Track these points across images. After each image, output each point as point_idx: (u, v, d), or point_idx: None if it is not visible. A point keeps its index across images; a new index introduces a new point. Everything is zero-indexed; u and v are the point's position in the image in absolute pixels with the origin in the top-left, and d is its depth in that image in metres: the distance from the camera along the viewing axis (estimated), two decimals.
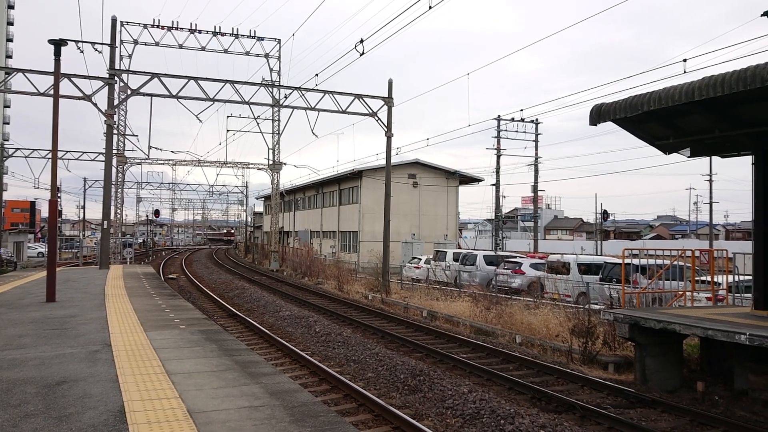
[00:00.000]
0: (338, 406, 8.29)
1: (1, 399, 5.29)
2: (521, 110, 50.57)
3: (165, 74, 24.07)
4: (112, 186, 28.33)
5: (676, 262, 13.58)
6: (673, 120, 10.63)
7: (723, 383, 9.87)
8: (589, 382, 9.99)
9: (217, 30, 32.13)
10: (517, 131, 40.44)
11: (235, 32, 32.75)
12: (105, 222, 24.74)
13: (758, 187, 10.48)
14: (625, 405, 8.91)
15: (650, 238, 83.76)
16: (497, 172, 40.74)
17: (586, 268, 21.02)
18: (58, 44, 13.22)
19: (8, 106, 79.12)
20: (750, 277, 11.67)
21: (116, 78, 24.48)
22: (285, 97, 28.52)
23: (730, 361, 9.87)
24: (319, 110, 26.42)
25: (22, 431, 4.47)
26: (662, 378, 9.98)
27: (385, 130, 25.97)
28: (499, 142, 40.11)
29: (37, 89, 22.63)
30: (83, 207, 68.67)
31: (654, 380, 9.91)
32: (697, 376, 10.15)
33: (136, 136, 40.26)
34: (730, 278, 13.63)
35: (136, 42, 31.60)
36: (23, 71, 22.55)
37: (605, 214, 53.39)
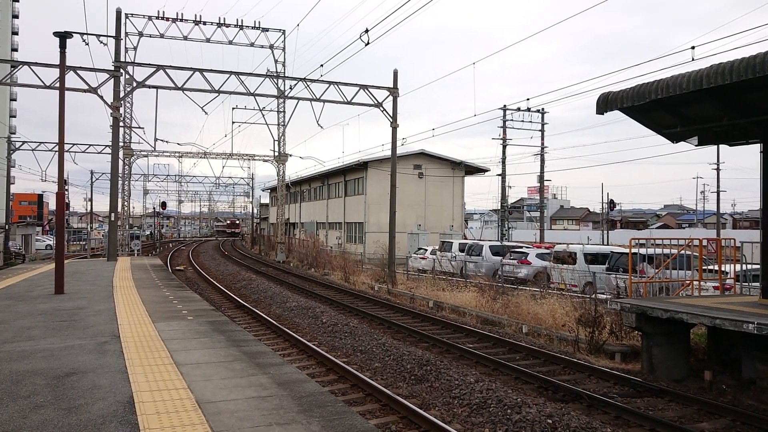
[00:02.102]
0: (345, 395, 8.32)
1: (10, 390, 5.34)
2: (527, 99, 50.35)
3: (170, 66, 24.05)
4: (119, 178, 28.41)
5: (683, 252, 13.53)
6: (680, 108, 10.55)
7: (730, 372, 9.85)
8: (595, 371, 9.99)
9: (222, 21, 32.08)
10: (522, 121, 40.26)
11: (239, 23, 32.69)
12: (112, 214, 24.83)
13: (766, 176, 10.40)
14: (632, 394, 8.91)
15: (657, 228, 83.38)
16: (503, 162, 40.60)
17: (593, 258, 20.98)
18: (63, 37, 13.22)
19: (14, 100, 79.40)
20: (758, 266, 11.61)
21: (122, 70, 24.49)
22: (290, 88, 28.46)
23: (738, 351, 9.84)
24: (324, 101, 26.37)
25: (31, 422, 4.51)
26: (669, 367, 9.97)
27: (391, 121, 25.91)
28: (504, 132, 39.95)
29: (43, 82, 22.66)
30: (90, 199, 68.94)
31: (661, 369, 9.89)
32: (705, 366, 10.13)
33: (142, 128, 40.41)
34: (738, 267, 13.55)
35: (141, 34, 31.61)
36: (29, 64, 22.58)
37: (612, 204, 53.18)
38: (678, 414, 8.10)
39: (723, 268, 13.05)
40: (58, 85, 14.07)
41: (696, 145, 11.97)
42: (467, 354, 11.23)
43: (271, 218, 64.07)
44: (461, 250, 28.20)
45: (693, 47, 13.46)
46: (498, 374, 9.98)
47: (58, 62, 13.63)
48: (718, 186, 47.27)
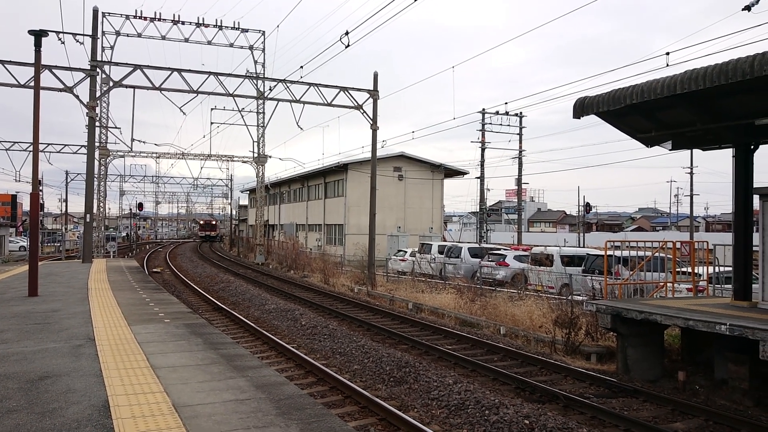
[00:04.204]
0: (324, 398, 8.31)
1: None
2: (505, 103, 50.86)
3: (148, 66, 23.82)
4: (95, 179, 28.01)
5: (657, 254, 13.75)
6: (655, 113, 10.73)
7: (703, 373, 10.03)
8: (572, 372, 10.11)
9: (201, 21, 31.84)
10: (501, 124, 40.65)
11: (218, 24, 32.48)
12: (88, 215, 24.48)
13: (738, 180, 10.62)
14: (608, 395, 9.04)
15: (632, 230, 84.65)
16: (482, 165, 40.90)
17: (569, 260, 21.21)
18: (38, 35, 13.01)
19: None
20: (730, 269, 11.86)
21: (98, 69, 24.18)
22: (270, 89, 28.37)
23: (711, 351, 10.03)
24: (304, 103, 26.32)
25: (4, 427, 4.44)
26: (644, 368, 10.12)
27: (371, 123, 25.93)
28: (483, 136, 40.26)
29: (17, 81, 22.27)
30: (65, 200, 67.93)
31: (636, 370, 10.04)
32: (678, 366, 10.31)
33: (119, 128, 40.01)
34: (711, 269, 13.82)
35: (118, 33, 31.22)
36: (2, 62, 22.17)
37: (588, 207, 53.83)
38: (652, 414, 8.24)
39: (696, 271, 13.29)
40: (32, 84, 13.84)
41: (670, 150, 12.18)
42: (446, 355, 11.28)
43: (250, 220, 63.69)
44: (440, 252, 28.31)
45: (668, 53, 13.71)
46: (476, 375, 10.04)
47: (32, 61, 13.41)
48: (691, 189, 48.19)
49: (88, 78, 23.47)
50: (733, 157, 10.83)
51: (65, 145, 43.70)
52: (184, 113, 30.19)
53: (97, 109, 26.06)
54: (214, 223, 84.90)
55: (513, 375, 9.73)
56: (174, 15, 31.40)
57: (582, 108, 10.42)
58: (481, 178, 41.23)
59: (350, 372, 10.04)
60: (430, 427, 7.14)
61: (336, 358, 11.02)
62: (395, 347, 12.05)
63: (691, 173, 48.04)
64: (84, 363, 6.48)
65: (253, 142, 38.77)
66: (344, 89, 26.06)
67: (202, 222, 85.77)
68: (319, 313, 16.80)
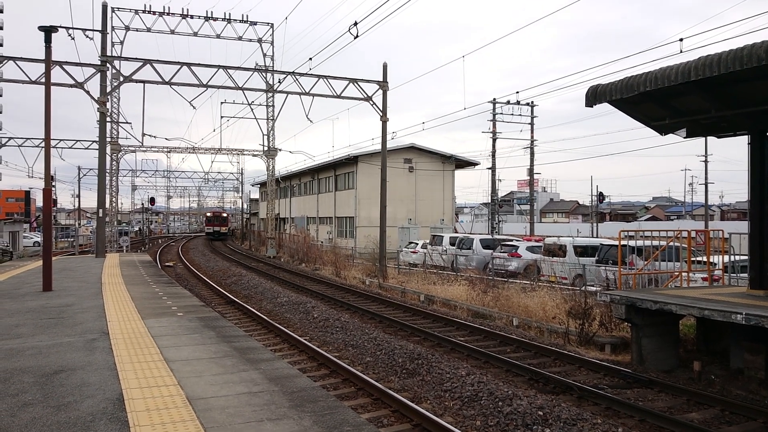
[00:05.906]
0: (337, 390, 8.32)
1: None
2: (517, 92, 50.46)
3: (157, 60, 23.86)
4: (107, 174, 28.18)
5: (671, 243, 13.62)
6: (669, 100, 10.59)
7: (719, 363, 9.94)
8: (586, 363, 10.05)
9: (210, 15, 31.86)
10: (512, 114, 40.30)
11: (227, 17, 32.48)
12: (100, 210, 24.65)
13: (754, 168, 10.47)
14: (622, 385, 8.98)
15: (646, 220, 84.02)
16: (493, 156, 40.66)
17: (582, 251, 21.07)
18: (48, 31, 13.06)
19: (0, 95, 78.48)
20: (746, 257, 11.71)
21: (108, 65, 24.27)
22: (279, 82, 28.37)
23: (726, 341, 9.93)
24: (313, 95, 26.26)
25: (20, 420, 4.47)
26: (659, 358, 10.05)
27: (381, 114, 25.84)
28: (494, 126, 40.00)
29: (28, 77, 22.42)
30: (78, 196, 68.39)
31: (650, 360, 9.97)
32: (694, 356, 10.22)
33: (130, 123, 40.34)
34: (726, 258, 13.67)
35: (127, 28, 31.34)
36: (14, 59, 22.31)
37: (601, 196, 53.42)
38: (667, 404, 8.17)
39: (711, 260, 13.15)
40: (43, 80, 13.90)
41: (684, 137, 12.03)
42: (458, 347, 11.26)
43: (261, 213, 63.88)
44: (452, 244, 28.23)
45: (681, 39, 13.52)
46: (489, 367, 10.01)
47: (43, 57, 13.46)
48: (706, 178, 47.68)
49: (99, 73, 23.58)
50: (748, 144, 10.67)
51: (77, 140, 43.90)
52: (194, 107, 30.37)
53: (108, 105, 26.20)
54: (224, 215, 71.50)
55: (526, 366, 9.69)
56: (183, 9, 31.48)
57: (595, 96, 10.30)
58: (493, 168, 41.01)
59: (362, 364, 10.05)
60: (444, 419, 7.12)
61: (348, 351, 11.03)
62: (407, 339, 12.04)
63: (706, 161, 47.52)
64: (98, 357, 6.52)
65: (263, 135, 38.83)
66: (353, 81, 25.98)
67: (209, 214, 70.67)
68: (331, 305, 16.83)
